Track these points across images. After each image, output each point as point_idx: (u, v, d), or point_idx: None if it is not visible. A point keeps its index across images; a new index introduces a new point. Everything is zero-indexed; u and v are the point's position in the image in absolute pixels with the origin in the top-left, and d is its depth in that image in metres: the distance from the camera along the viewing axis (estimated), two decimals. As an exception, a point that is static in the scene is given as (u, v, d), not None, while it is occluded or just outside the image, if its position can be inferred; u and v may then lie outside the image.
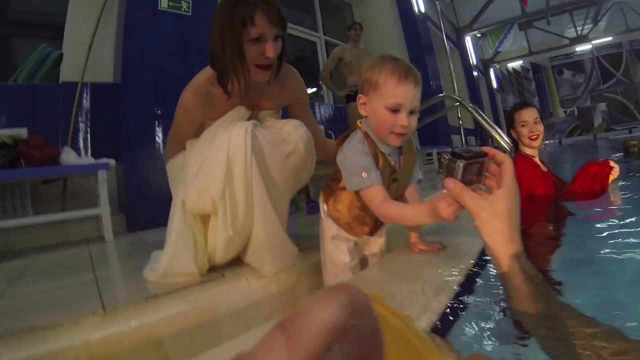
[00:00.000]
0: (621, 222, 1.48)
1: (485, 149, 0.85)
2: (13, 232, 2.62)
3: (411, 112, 1.23)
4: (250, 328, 1.26)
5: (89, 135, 3.32)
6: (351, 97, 4.99)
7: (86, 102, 3.33)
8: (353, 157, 1.25)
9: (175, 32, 3.36)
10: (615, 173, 2.31)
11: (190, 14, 3.48)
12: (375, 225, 1.44)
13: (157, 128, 3.13)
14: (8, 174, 2.50)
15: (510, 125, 2.53)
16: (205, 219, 1.38)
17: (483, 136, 13.09)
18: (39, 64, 3.24)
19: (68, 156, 2.68)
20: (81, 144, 3.28)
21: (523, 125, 2.41)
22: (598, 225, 1.52)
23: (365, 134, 1.29)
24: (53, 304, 1.24)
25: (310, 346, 0.22)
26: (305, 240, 1.69)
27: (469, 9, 13.06)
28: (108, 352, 1.04)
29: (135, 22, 3.22)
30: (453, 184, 0.81)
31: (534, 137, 2.39)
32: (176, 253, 1.30)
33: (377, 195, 1.20)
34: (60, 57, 3.34)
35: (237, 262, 1.45)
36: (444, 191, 0.85)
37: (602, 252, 1.13)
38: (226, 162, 1.25)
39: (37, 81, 3.24)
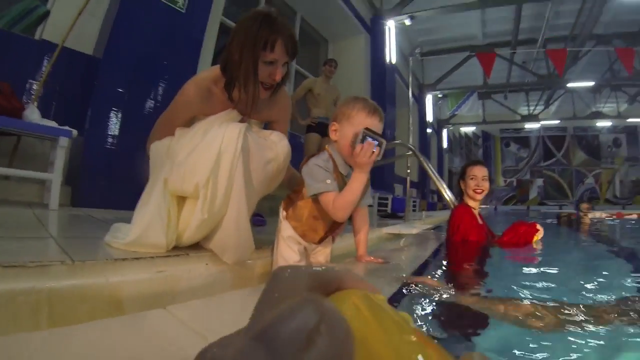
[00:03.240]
0: (535, 265, 2.06)
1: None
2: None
3: None
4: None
5: (54, 100, 3.26)
6: (311, 128, 5.18)
7: (61, 67, 3.26)
8: (319, 168, 1.58)
9: (166, 24, 3.42)
10: (539, 234, 2.75)
11: (184, 11, 3.56)
12: (326, 234, 1.72)
13: (126, 111, 3.13)
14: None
15: (461, 177, 2.86)
16: (179, 200, 1.47)
17: (425, 191, 13.74)
18: (24, 15, 3.14)
19: (32, 114, 2.64)
20: (45, 107, 3.15)
21: (472, 179, 2.74)
22: (516, 266, 2.13)
23: (330, 156, 1.61)
24: (15, 252, 1.19)
25: (285, 353, 0.23)
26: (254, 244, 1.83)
27: (436, 69, 13.85)
28: (68, 303, 1.07)
29: (130, 4, 3.24)
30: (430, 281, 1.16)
31: (478, 190, 2.71)
32: (152, 225, 1.38)
33: (332, 197, 1.54)
34: (46, 13, 3.27)
35: (200, 248, 1.55)
36: None
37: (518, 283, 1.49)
38: (217, 154, 1.36)
39: (18, 31, 3.15)
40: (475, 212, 2.80)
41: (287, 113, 1.90)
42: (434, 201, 14.04)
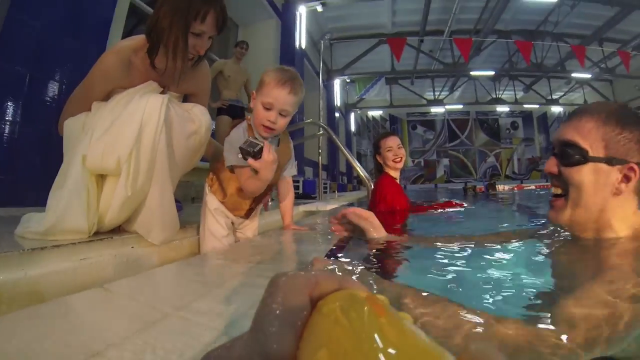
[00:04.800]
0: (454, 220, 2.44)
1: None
2: None
3: (281, 114, 1.55)
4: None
5: None
6: (222, 111, 5.11)
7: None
8: (234, 140, 1.54)
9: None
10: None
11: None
12: (251, 207, 1.73)
13: (29, 95, 2.68)
14: None
15: (376, 152, 2.95)
16: (99, 180, 1.38)
17: (335, 173, 14.06)
18: None
19: None
20: None
21: (389, 150, 2.84)
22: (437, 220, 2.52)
23: (249, 125, 1.60)
24: None
25: (283, 341, 0.24)
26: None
27: (344, 55, 14.13)
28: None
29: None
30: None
31: (397, 159, 2.84)
32: (70, 208, 1.28)
33: (245, 173, 1.53)
34: None
35: (123, 231, 1.48)
36: None
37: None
38: (139, 127, 1.30)
39: None
40: (397, 181, 2.93)
41: (207, 86, 1.86)
42: (344, 183, 14.40)
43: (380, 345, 0.22)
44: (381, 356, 0.21)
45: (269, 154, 1.43)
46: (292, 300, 0.26)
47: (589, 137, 0.94)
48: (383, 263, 1.18)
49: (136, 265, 1.37)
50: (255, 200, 1.73)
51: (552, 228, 1.24)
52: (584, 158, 0.94)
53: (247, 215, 1.77)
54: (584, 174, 0.94)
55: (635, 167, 0.90)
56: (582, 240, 1.01)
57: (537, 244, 1.20)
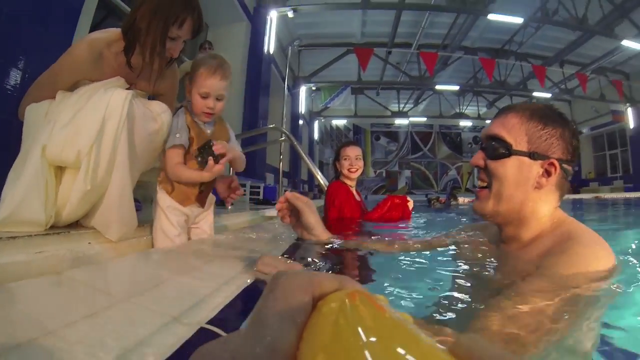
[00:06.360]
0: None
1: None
2: None
3: (217, 99, 1.63)
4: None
5: None
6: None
7: None
8: (173, 126, 1.62)
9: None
10: (410, 205, 3.04)
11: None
12: (201, 195, 1.73)
13: None
14: None
15: (336, 159, 3.04)
16: (57, 172, 1.37)
17: (296, 180, 14.10)
18: None
19: None
20: None
21: (346, 159, 2.92)
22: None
23: (186, 108, 1.67)
24: None
25: (281, 336, 0.24)
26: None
27: (311, 62, 14.37)
28: None
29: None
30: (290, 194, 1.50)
31: (353, 170, 2.92)
32: (27, 199, 1.26)
33: (175, 156, 1.59)
34: None
35: (79, 226, 1.46)
36: None
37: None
38: (101, 120, 1.29)
39: None
40: (352, 189, 2.99)
41: (175, 87, 1.89)
42: (305, 191, 14.46)
43: (372, 342, 0.22)
44: (369, 356, 0.21)
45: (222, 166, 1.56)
46: (294, 299, 0.26)
47: (513, 131, 1.00)
48: (330, 263, 1.25)
49: (92, 261, 1.34)
50: (203, 183, 1.71)
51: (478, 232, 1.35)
52: (508, 151, 1.00)
53: (201, 202, 1.75)
54: (508, 167, 1.00)
55: (556, 162, 0.97)
56: (504, 237, 1.10)
57: (462, 249, 1.32)
